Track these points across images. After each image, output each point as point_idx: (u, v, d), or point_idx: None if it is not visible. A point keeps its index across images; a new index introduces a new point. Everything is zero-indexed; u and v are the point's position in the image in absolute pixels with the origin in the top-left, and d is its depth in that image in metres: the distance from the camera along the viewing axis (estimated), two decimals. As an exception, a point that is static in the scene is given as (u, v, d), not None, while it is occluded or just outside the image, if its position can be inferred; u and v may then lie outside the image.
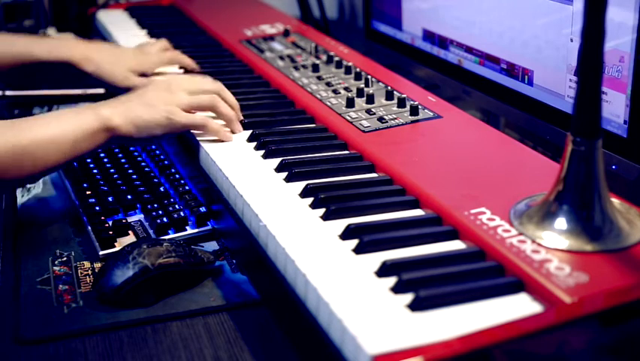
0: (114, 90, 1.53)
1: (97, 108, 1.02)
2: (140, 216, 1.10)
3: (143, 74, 1.39)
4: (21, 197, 1.18)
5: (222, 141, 1.09)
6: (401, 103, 1.16)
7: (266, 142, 1.07)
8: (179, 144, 1.20)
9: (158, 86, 1.09)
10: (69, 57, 1.35)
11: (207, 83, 1.14)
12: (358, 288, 0.74)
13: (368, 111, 1.15)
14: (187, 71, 1.41)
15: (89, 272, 0.98)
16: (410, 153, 1.02)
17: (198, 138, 1.10)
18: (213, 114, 1.12)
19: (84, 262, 1.00)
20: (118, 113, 1.02)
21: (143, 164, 1.22)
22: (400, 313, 0.70)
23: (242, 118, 1.14)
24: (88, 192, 1.13)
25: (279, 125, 1.14)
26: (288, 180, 0.98)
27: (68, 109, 1.02)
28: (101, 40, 1.68)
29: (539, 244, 0.78)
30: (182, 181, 1.16)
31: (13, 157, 0.94)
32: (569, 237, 0.78)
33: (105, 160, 1.24)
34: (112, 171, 1.20)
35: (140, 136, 1.04)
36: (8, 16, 1.83)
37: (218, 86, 1.14)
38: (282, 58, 1.42)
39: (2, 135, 0.94)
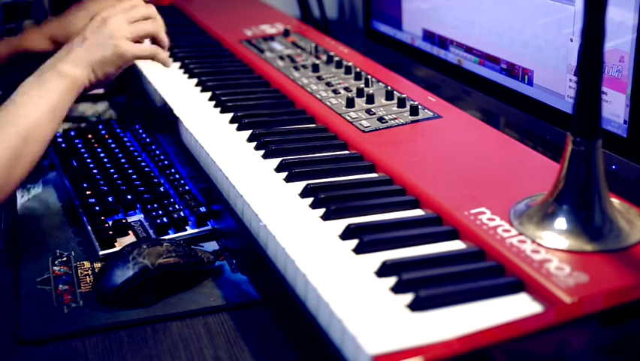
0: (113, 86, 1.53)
1: (58, 69, 1.03)
2: (140, 216, 1.10)
3: None
4: (21, 197, 1.18)
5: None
6: (401, 103, 1.16)
7: (266, 142, 1.07)
8: (174, 137, 1.20)
9: (98, 25, 1.09)
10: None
11: (144, 11, 1.15)
12: (358, 288, 0.74)
13: (368, 111, 1.15)
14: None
15: (89, 272, 0.98)
16: (410, 153, 1.02)
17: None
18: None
19: (84, 262, 1.00)
20: (75, 66, 1.03)
21: (143, 164, 1.22)
22: (400, 313, 0.70)
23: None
24: (88, 192, 1.13)
25: (279, 125, 1.14)
26: (288, 180, 0.98)
27: (32, 79, 1.03)
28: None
29: (539, 244, 0.78)
30: (182, 181, 1.16)
31: (19, 144, 0.95)
32: (569, 237, 0.78)
33: (105, 160, 1.24)
34: (112, 171, 1.20)
35: (98, 78, 1.06)
36: (8, 16, 1.83)
37: (151, 8, 1.14)
38: (282, 58, 1.42)
39: (3, 127, 0.96)
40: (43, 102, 1.00)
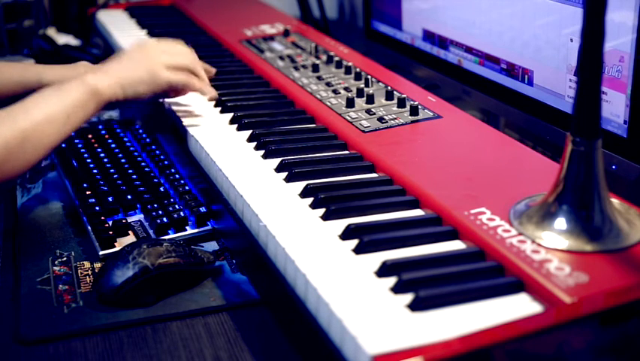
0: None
1: (82, 77, 1.03)
2: (140, 216, 1.10)
3: None
4: (21, 197, 1.18)
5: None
6: (401, 103, 1.16)
7: (266, 142, 1.07)
8: (174, 137, 1.20)
9: (136, 49, 1.11)
10: None
11: (183, 47, 1.18)
12: (358, 288, 0.74)
13: (368, 111, 1.15)
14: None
15: (89, 272, 0.98)
16: (410, 153, 1.02)
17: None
18: None
19: (84, 262, 1.00)
20: (102, 78, 1.04)
21: (143, 164, 1.22)
22: (400, 313, 0.70)
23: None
24: (88, 192, 1.13)
25: (279, 125, 1.14)
26: (288, 180, 0.98)
27: (56, 85, 1.02)
28: (101, 42, 1.68)
29: (539, 244, 0.78)
30: (182, 181, 1.16)
31: (15, 143, 0.94)
32: (569, 237, 0.78)
33: (105, 160, 1.24)
34: (112, 171, 1.20)
35: (126, 96, 1.06)
36: (8, 16, 1.83)
37: (192, 51, 1.17)
38: (282, 58, 1.42)
39: (1, 124, 0.94)
40: (54, 106, 0.98)
